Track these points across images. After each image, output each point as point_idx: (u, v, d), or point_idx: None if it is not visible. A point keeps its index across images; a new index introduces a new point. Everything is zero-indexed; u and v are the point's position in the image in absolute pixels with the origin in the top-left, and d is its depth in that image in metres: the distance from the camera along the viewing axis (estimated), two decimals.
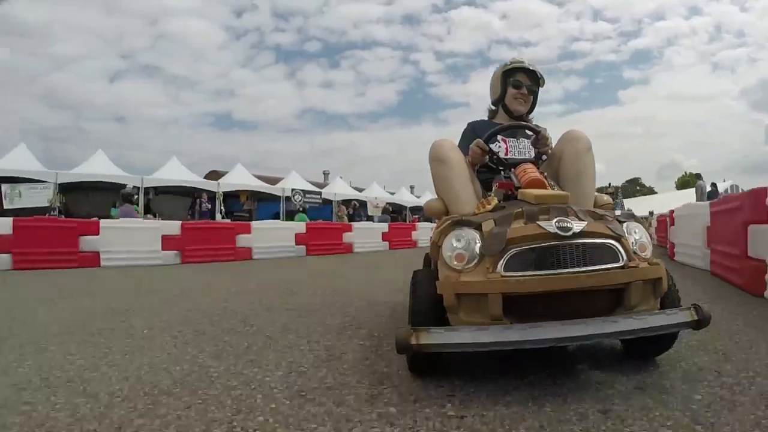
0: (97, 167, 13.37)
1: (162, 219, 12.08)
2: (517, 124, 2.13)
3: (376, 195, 18.60)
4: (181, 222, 7.93)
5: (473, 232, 1.55)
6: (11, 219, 6.62)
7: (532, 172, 1.83)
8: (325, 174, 28.62)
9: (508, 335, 1.38)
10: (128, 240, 7.00)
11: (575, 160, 1.99)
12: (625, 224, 1.61)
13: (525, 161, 1.99)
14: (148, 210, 13.66)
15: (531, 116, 2.32)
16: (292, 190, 16.19)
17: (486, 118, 2.39)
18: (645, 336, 1.46)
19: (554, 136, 2.08)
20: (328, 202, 17.36)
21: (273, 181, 17.30)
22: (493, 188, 1.90)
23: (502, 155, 2.05)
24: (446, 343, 1.40)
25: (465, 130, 2.31)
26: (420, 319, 1.53)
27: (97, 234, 6.80)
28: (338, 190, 18.52)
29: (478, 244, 1.51)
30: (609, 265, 1.47)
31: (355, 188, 20.51)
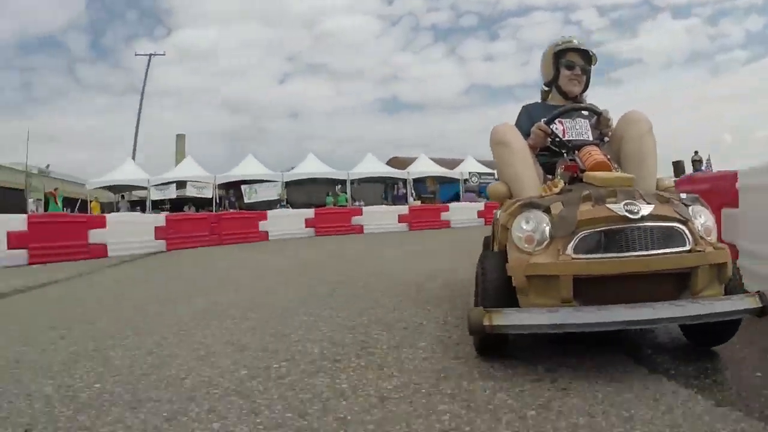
0: (311, 167, 16.88)
1: (365, 204, 14.52)
2: (579, 106, 2.06)
3: None
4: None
5: (542, 214, 1.60)
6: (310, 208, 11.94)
7: (597, 154, 1.78)
8: None
9: (579, 317, 1.40)
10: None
11: (637, 142, 1.90)
12: (690, 207, 1.52)
13: (586, 143, 1.92)
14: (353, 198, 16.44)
15: (585, 95, 2.26)
16: (470, 173, 17.45)
17: (539, 100, 2.34)
18: (708, 323, 1.39)
19: (613, 118, 2.00)
20: None
21: (451, 164, 18.48)
22: (558, 171, 1.88)
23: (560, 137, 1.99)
24: (520, 324, 1.43)
25: (519, 113, 2.28)
26: (490, 300, 1.57)
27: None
28: None
29: (548, 227, 1.55)
30: (676, 249, 1.44)
31: None
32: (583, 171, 1.79)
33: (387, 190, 18.87)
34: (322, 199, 15.81)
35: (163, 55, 30.84)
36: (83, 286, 4.40)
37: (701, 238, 1.47)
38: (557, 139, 1.99)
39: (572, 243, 1.50)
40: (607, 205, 1.50)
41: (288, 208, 13.32)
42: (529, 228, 1.60)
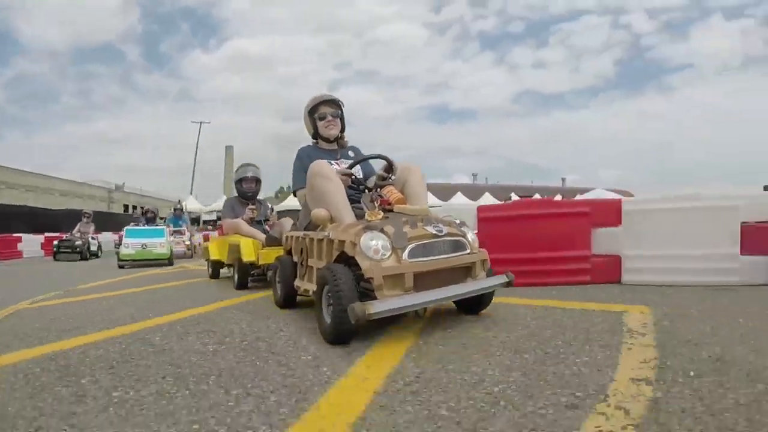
0: None
1: None
2: (375, 156, 2.79)
3: None
4: None
5: (380, 233, 2.08)
6: None
7: (396, 192, 2.48)
8: None
9: (419, 299, 1.97)
10: None
11: (418, 185, 2.66)
12: (462, 227, 2.41)
13: (383, 184, 2.58)
14: None
15: (344, 134, 3.05)
16: None
17: (311, 144, 3.07)
18: (478, 295, 2.27)
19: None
20: None
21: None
22: (375, 203, 2.49)
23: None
24: (386, 309, 1.85)
25: (299, 155, 2.93)
26: (349, 298, 1.91)
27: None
28: None
29: (388, 241, 2.06)
30: (464, 252, 2.27)
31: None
32: (389, 204, 2.44)
33: None
34: None
35: (209, 123, 26.86)
36: None
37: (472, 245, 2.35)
38: (357, 180, 2.69)
39: (406, 252, 2.07)
40: (424, 227, 2.18)
41: None
42: (374, 243, 2.05)
